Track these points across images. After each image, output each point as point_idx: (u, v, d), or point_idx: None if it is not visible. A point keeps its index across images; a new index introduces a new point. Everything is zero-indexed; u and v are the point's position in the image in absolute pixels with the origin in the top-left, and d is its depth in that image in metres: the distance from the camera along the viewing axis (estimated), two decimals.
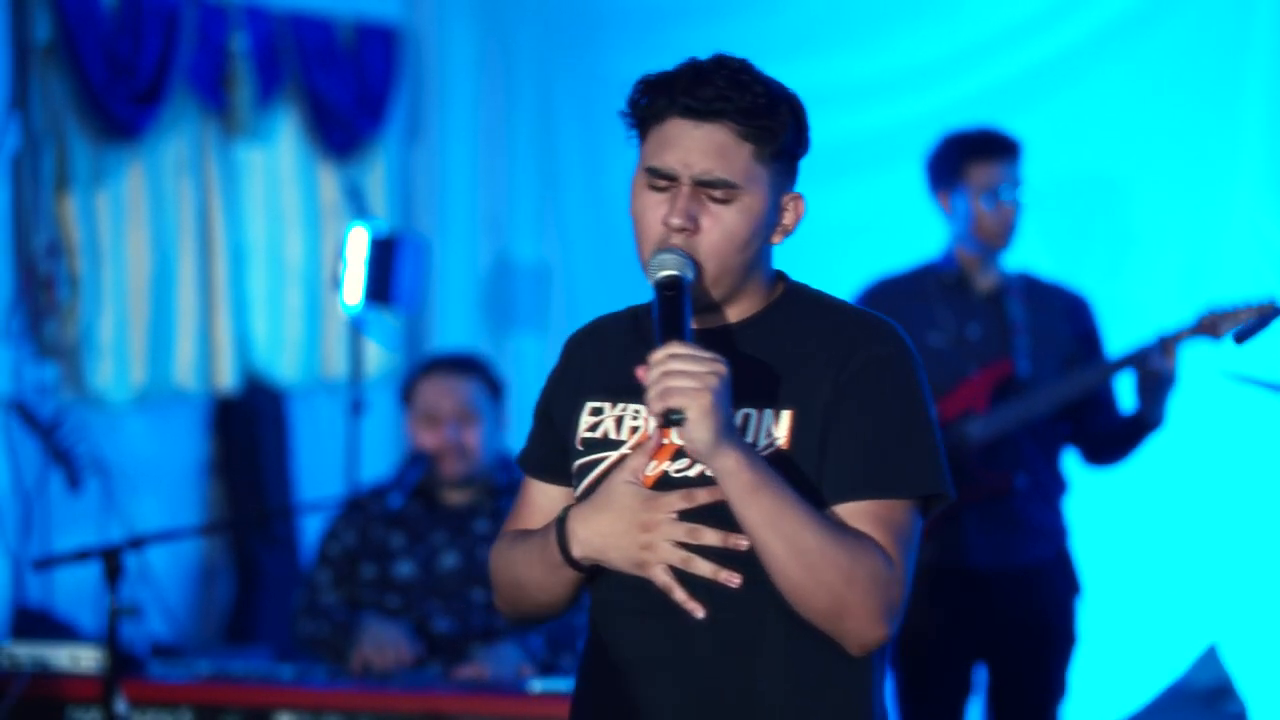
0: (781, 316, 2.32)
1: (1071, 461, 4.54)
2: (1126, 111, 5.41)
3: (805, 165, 2.34)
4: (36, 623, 4.68)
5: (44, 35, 4.90)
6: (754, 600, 2.24)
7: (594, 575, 2.34)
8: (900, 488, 2.24)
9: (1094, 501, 4.88)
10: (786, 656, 2.26)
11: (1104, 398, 4.40)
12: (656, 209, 2.27)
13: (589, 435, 2.35)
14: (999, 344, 4.42)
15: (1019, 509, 4.35)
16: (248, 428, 5.59)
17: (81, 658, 4.12)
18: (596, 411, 2.36)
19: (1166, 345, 4.23)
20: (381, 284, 5.48)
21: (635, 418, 2.32)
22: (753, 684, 2.26)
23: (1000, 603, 4.37)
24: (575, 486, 2.37)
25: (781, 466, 2.22)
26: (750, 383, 2.26)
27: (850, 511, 2.23)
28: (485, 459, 4.52)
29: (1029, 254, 4.78)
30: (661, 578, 2.23)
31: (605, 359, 2.38)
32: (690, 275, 2.23)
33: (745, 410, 2.26)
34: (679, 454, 2.26)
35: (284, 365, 5.70)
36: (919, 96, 5.56)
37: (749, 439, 2.24)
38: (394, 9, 6.00)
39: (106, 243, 5.14)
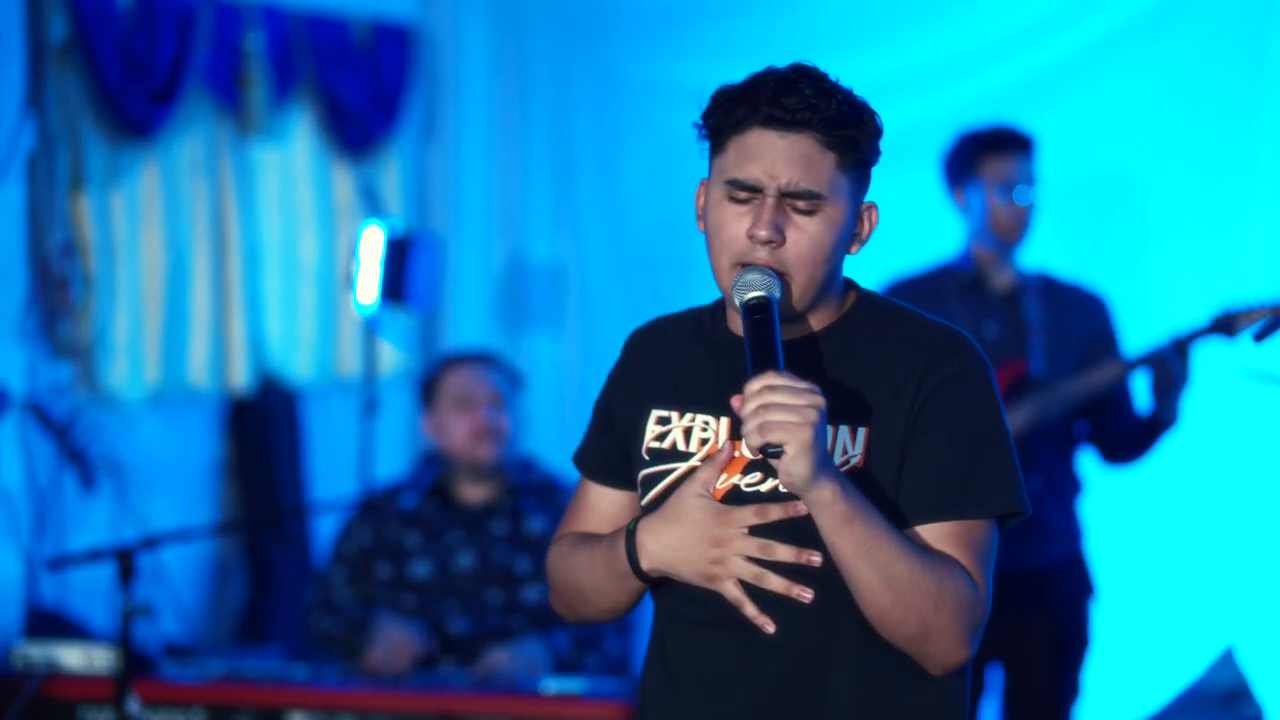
0: (856, 328, 2.31)
1: (1088, 462, 4.52)
2: (1144, 109, 5.39)
3: None
4: (49, 623, 4.67)
5: (59, 34, 4.90)
6: (826, 615, 2.23)
7: (660, 585, 2.32)
8: (981, 508, 2.24)
9: (1110, 502, 4.86)
10: (859, 673, 2.25)
11: (1120, 398, 4.38)
12: (738, 221, 2.24)
13: (656, 445, 2.34)
14: (1015, 343, 4.40)
15: (1033, 510, 4.32)
16: (261, 427, 5.58)
17: (94, 658, 4.12)
18: (664, 421, 2.34)
19: (1180, 345, 4.21)
20: (396, 283, 5.47)
21: (705, 429, 2.31)
22: (824, 700, 2.25)
23: (1014, 604, 4.35)
24: (641, 496, 2.35)
25: (857, 483, 2.21)
26: (827, 396, 2.23)
27: (932, 532, 2.23)
28: (513, 448, 4.53)
29: (1046, 252, 4.77)
30: (732, 592, 2.22)
31: (670, 365, 2.37)
32: (778, 294, 2.21)
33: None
34: (750, 467, 2.25)
35: (298, 365, 5.70)
36: (935, 94, 5.54)
37: (827, 443, 2.22)
38: (409, 8, 6.00)
39: (121, 242, 5.14)
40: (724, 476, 2.25)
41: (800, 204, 2.22)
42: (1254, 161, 5.25)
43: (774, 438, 2.10)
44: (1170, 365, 4.22)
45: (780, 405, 2.10)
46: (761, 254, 2.22)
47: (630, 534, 2.28)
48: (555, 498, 4.52)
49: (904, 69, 5.61)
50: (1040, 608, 4.37)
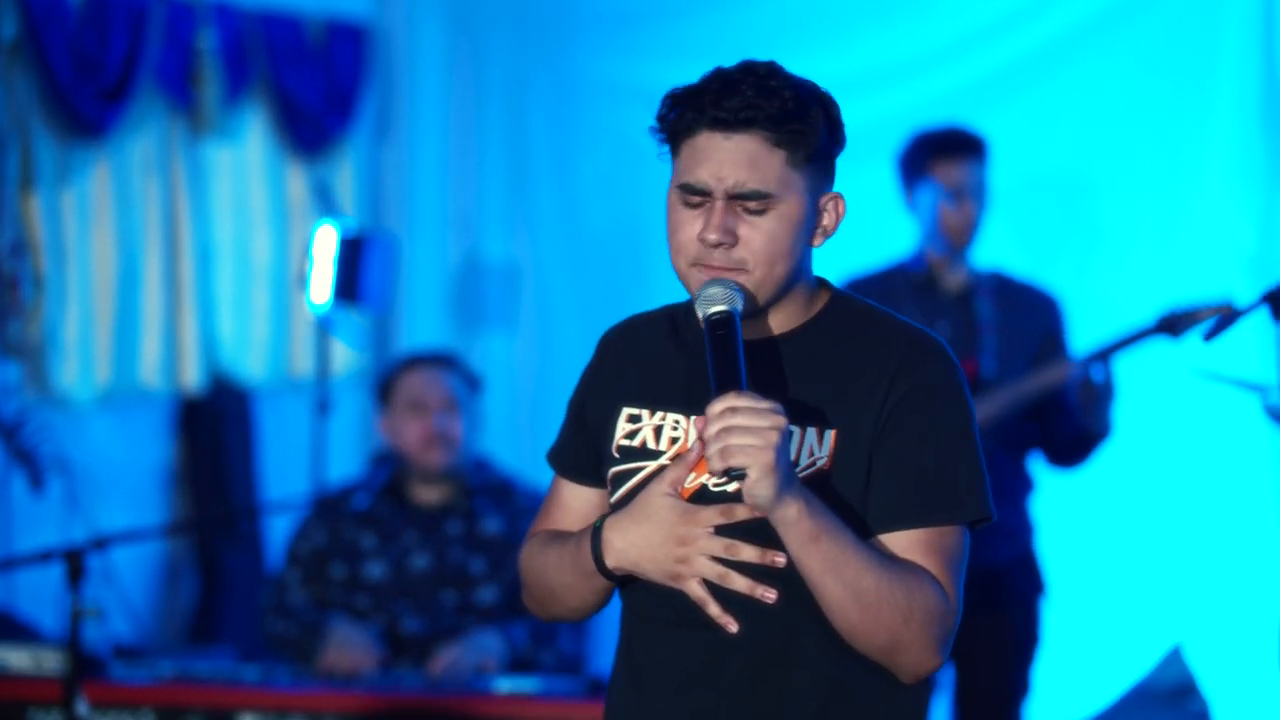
0: (827, 330, 2.30)
1: (1038, 462, 4.54)
2: (1097, 110, 5.41)
3: None
4: None
5: (9, 32, 4.87)
6: (790, 616, 2.22)
7: (627, 583, 2.32)
8: (952, 515, 2.23)
9: (1060, 501, 4.88)
10: (823, 673, 2.25)
11: (1062, 402, 4.39)
12: (692, 225, 2.23)
13: (626, 443, 2.33)
14: (967, 343, 4.42)
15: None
16: (213, 427, 5.56)
17: (43, 659, 4.10)
18: (634, 419, 2.33)
19: (1104, 355, 4.25)
20: (349, 283, 5.46)
21: (675, 428, 2.30)
22: (787, 700, 2.25)
23: (965, 602, 4.35)
24: (611, 493, 2.35)
25: (822, 486, 2.21)
26: (794, 399, 2.24)
27: (902, 540, 2.22)
28: (468, 452, 4.52)
29: (999, 252, 4.78)
30: (696, 591, 2.21)
31: (643, 363, 2.36)
32: (740, 306, 2.20)
33: (789, 428, 2.22)
34: None
35: (250, 364, 5.68)
36: (890, 95, 5.55)
37: (790, 457, 2.21)
38: (364, 7, 5.98)
39: (72, 241, 5.11)
40: (692, 476, 2.24)
41: (750, 204, 2.21)
42: (1206, 161, 5.27)
43: (736, 462, 2.10)
44: (1093, 377, 4.25)
45: (742, 428, 2.10)
46: (716, 256, 2.22)
47: (596, 531, 2.27)
48: (511, 498, 4.51)
49: (859, 69, 5.62)
50: (991, 606, 4.38)
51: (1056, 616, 4.62)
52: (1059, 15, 5.46)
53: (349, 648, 4.21)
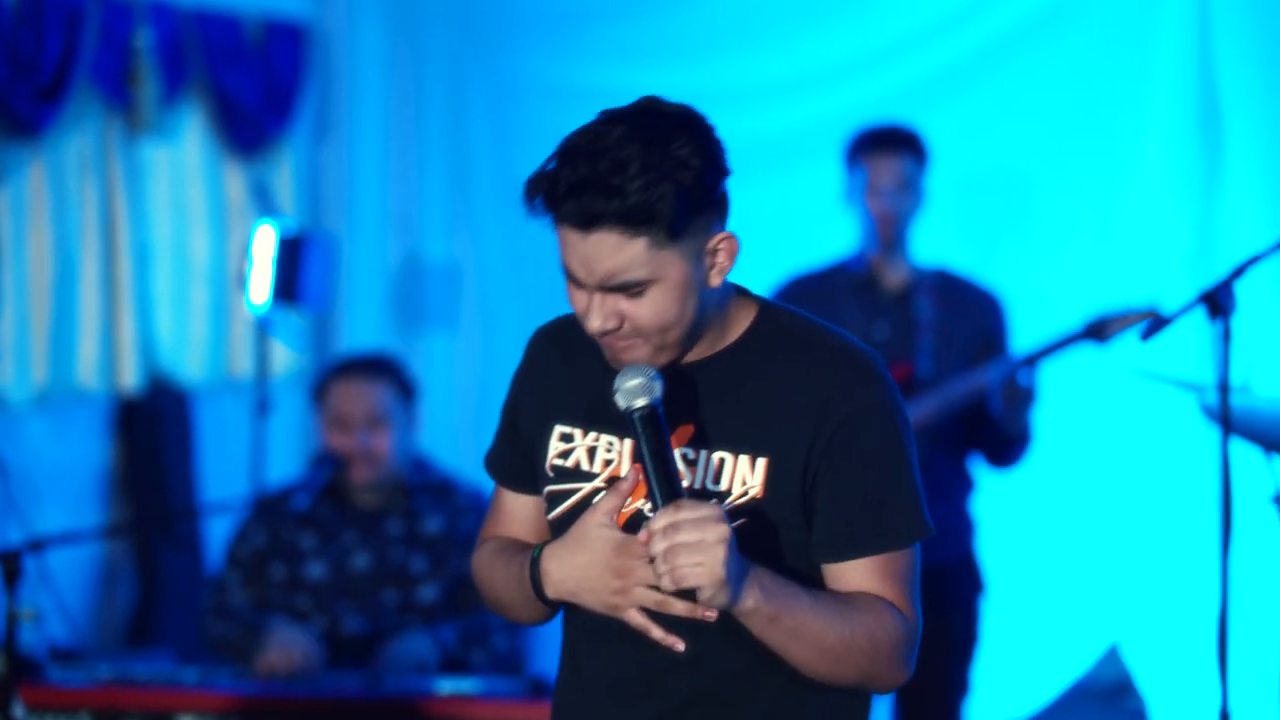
0: (754, 350, 2.28)
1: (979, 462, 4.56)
2: (1035, 111, 5.44)
3: None
4: None
5: None
6: (734, 631, 2.21)
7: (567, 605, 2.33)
8: (899, 540, 2.25)
9: (998, 501, 4.90)
10: (764, 681, 2.27)
11: (985, 406, 4.41)
12: (579, 300, 2.22)
13: (559, 463, 2.33)
14: (905, 344, 4.44)
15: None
16: (151, 428, 5.53)
17: None
18: (567, 438, 2.33)
19: (1030, 360, 4.29)
20: (289, 283, 5.43)
21: (609, 450, 2.30)
22: (731, 710, 2.28)
23: None
24: (547, 511, 2.35)
25: (755, 515, 2.22)
26: (724, 425, 2.24)
27: (854, 571, 2.24)
28: (397, 463, 4.49)
29: (938, 251, 4.80)
30: (636, 620, 2.21)
31: (573, 376, 2.35)
32: (659, 392, 2.18)
33: (720, 454, 2.24)
34: None
35: (189, 365, 5.64)
36: (829, 96, 5.58)
37: (723, 485, 2.23)
38: (302, 6, 5.95)
39: (7, 242, 5.07)
40: (628, 500, 2.24)
41: (625, 291, 2.19)
42: (1140, 162, 5.31)
43: (688, 585, 2.11)
44: (1019, 381, 4.29)
45: (688, 546, 2.10)
46: (610, 337, 2.22)
47: (535, 561, 2.27)
48: (451, 497, 4.51)
49: (800, 70, 5.64)
50: (930, 606, 4.38)
51: (996, 616, 4.65)
52: (998, 16, 5.49)
53: (289, 648, 4.19)
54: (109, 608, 5.49)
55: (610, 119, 2.20)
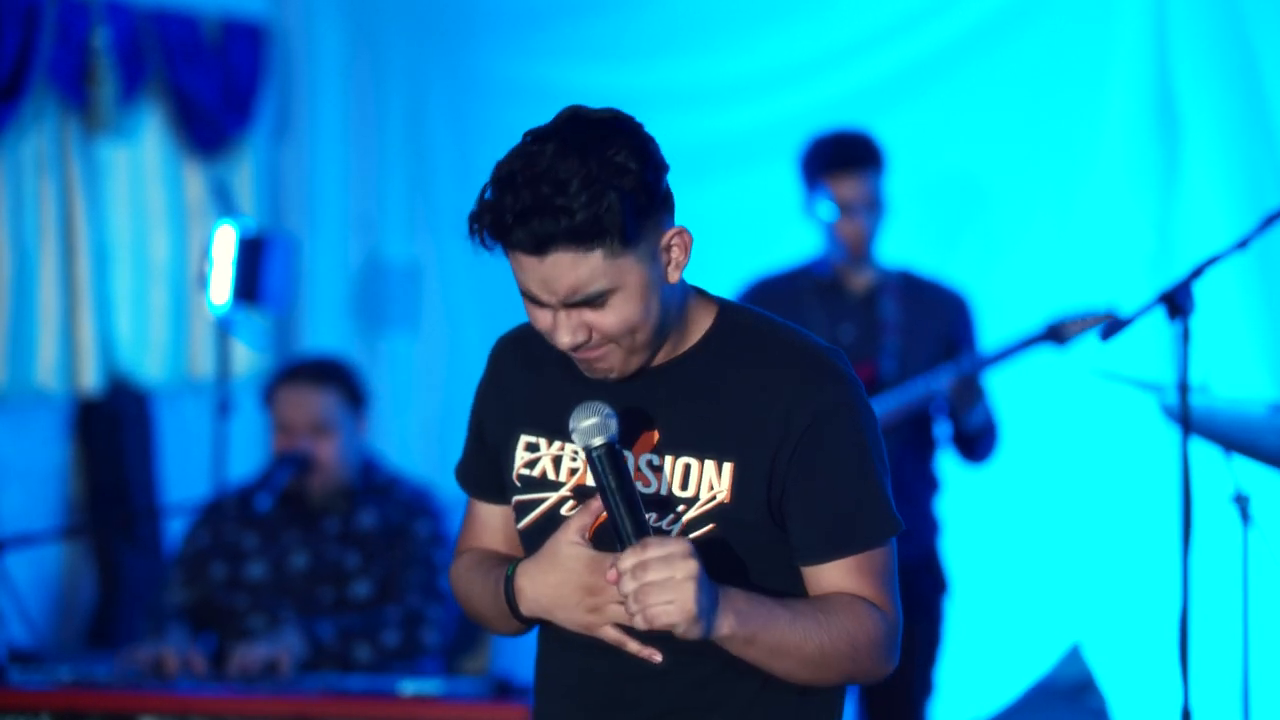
0: (718, 351, 2.29)
1: (946, 460, 4.58)
2: (994, 113, 5.46)
3: (674, 166, 2.27)
4: None
5: None
6: (708, 643, 2.22)
7: None
8: (874, 539, 2.26)
9: (961, 500, 4.92)
10: (730, 689, 2.29)
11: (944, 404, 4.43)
12: (542, 318, 2.23)
13: (526, 473, 2.34)
14: (868, 345, 4.44)
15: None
16: (111, 429, 5.50)
17: None
18: (532, 448, 2.34)
19: (989, 362, 4.32)
20: (249, 283, 5.41)
21: (574, 459, 2.31)
22: (705, 717, 2.29)
23: None
24: (516, 521, 2.36)
25: (724, 519, 2.23)
26: (688, 430, 2.25)
27: (832, 573, 2.25)
28: (342, 469, 4.47)
29: (897, 253, 4.81)
30: (612, 635, 2.23)
31: (538, 387, 2.35)
32: (615, 429, 2.18)
33: (686, 460, 2.25)
34: None
35: (149, 366, 5.62)
36: (787, 97, 5.59)
37: (689, 491, 2.24)
38: (261, 6, 5.93)
39: None
40: (600, 511, 2.24)
41: (589, 304, 2.20)
42: (1099, 164, 5.34)
43: (660, 624, 2.12)
44: (974, 379, 4.31)
45: (657, 585, 2.10)
46: (580, 350, 2.23)
47: (509, 580, 2.28)
48: (390, 493, 4.49)
49: (757, 70, 5.64)
50: None
51: (959, 615, 4.66)
52: (956, 18, 5.51)
53: (160, 651, 4.17)
54: (69, 609, 5.46)
55: (539, 138, 2.20)
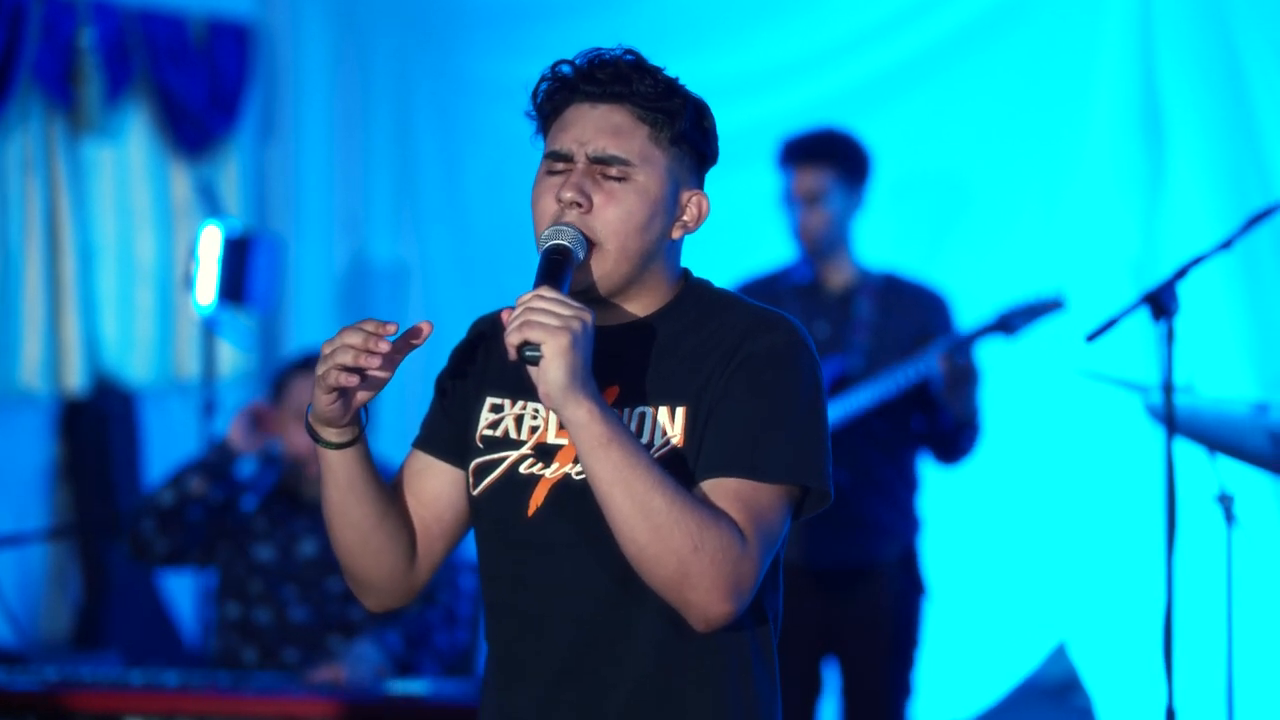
0: (680, 314, 2.32)
1: (926, 460, 4.59)
2: (979, 113, 5.47)
3: None
4: None
5: None
6: (625, 600, 2.23)
7: (487, 579, 2.34)
8: (767, 472, 2.21)
9: (942, 500, 4.93)
10: (650, 657, 2.26)
11: (929, 396, 4.44)
12: (551, 191, 2.27)
13: (489, 433, 2.35)
14: (839, 343, 4.46)
15: (858, 508, 4.37)
16: (97, 429, 5.50)
17: None
18: (497, 409, 2.35)
19: (964, 343, 4.33)
20: (235, 284, 5.42)
21: (535, 417, 2.32)
22: (622, 680, 2.27)
23: (842, 602, 4.41)
24: (474, 487, 2.34)
25: (677, 464, 2.22)
26: (647, 383, 2.26)
27: (714, 488, 2.21)
28: None
29: (881, 253, 4.83)
30: (334, 379, 2.28)
31: (505, 352, 2.34)
32: (580, 254, 2.23)
33: (641, 409, 2.26)
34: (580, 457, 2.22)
35: (135, 366, 5.62)
36: (773, 98, 5.59)
37: (644, 439, 2.24)
38: (247, 6, 5.93)
39: None
40: (556, 465, 2.27)
41: (610, 170, 2.25)
42: (1084, 165, 5.35)
43: (532, 336, 2.12)
44: (956, 360, 4.32)
45: (544, 309, 2.13)
46: (570, 215, 2.25)
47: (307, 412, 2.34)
48: None
49: (743, 71, 5.65)
50: (867, 605, 4.42)
51: (941, 615, 4.67)
52: (941, 19, 5.52)
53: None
54: (55, 610, 5.46)
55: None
